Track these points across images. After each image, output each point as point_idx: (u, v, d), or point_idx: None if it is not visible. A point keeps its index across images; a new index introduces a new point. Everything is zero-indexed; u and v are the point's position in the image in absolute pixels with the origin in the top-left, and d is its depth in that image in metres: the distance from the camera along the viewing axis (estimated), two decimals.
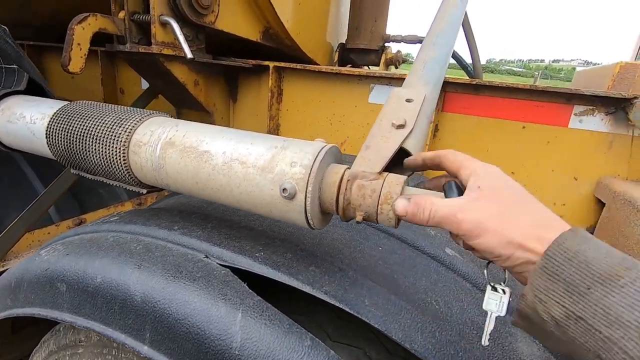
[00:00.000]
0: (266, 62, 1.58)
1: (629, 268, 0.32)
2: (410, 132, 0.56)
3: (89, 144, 0.64)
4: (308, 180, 0.48)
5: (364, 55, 2.20)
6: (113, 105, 0.71)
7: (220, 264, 0.58)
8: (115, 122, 0.63)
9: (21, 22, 2.09)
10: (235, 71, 1.73)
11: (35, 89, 0.89)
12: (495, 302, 0.45)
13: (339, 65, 2.23)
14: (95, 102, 0.72)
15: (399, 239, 0.78)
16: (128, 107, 0.69)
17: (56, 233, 1.37)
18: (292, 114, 1.65)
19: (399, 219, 0.48)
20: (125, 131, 0.62)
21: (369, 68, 2.28)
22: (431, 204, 0.44)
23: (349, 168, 0.52)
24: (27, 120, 0.73)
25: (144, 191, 0.67)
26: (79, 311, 0.60)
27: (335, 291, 0.55)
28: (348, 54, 2.24)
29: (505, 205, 0.40)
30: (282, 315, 0.51)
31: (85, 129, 0.64)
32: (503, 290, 0.45)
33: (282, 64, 1.57)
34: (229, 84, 1.75)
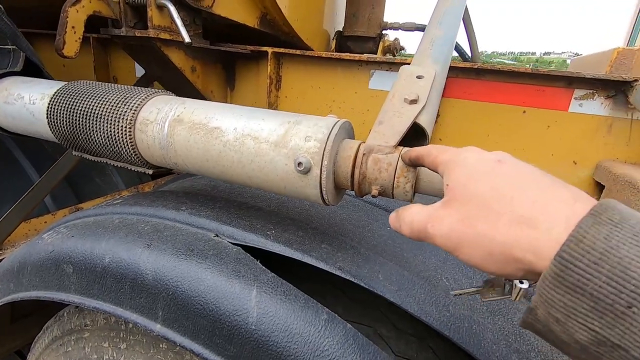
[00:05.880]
0: (265, 48, 1.56)
1: None
2: (423, 107, 0.55)
3: (93, 123, 0.63)
4: (323, 154, 0.48)
5: (362, 43, 2.18)
6: (115, 84, 0.69)
7: (232, 243, 0.57)
8: (120, 101, 0.62)
9: (8, 8, 2.03)
10: (232, 58, 1.70)
11: (32, 71, 0.86)
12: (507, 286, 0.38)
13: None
14: (97, 82, 0.70)
15: None
16: (131, 86, 0.67)
17: (53, 222, 1.34)
18: (291, 100, 1.63)
19: (414, 192, 0.48)
20: (131, 109, 0.60)
21: None
22: (409, 214, 0.38)
23: (363, 142, 0.51)
24: (26, 101, 0.71)
25: (150, 171, 0.66)
26: (88, 292, 0.59)
27: (349, 267, 0.54)
28: (345, 42, 2.22)
29: (477, 204, 0.32)
30: (298, 290, 0.51)
31: (89, 108, 0.63)
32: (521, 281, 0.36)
33: (281, 50, 1.55)
34: (226, 71, 1.72)
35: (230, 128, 0.54)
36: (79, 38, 1.18)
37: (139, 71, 1.97)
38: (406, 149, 0.49)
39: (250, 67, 1.67)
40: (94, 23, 1.28)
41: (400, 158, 0.48)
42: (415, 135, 0.55)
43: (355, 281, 0.52)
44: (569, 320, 0.26)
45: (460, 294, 0.42)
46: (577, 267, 0.25)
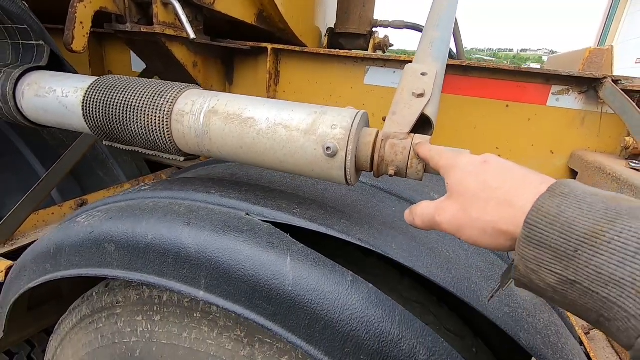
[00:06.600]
0: (264, 44, 1.62)
1: (612, 220, 0.30)
2: (429, 100, 0.64)
3: (130, 115, 0.68)
4: (348, 139, 0.56)
5: (353, 40, 2.26)
6: (146, 79, 0.75)
7: (262, 220, 0.65)
8: (156, 94, 0.68)
9: None
10: (231, 53, 1.75)
11: (55, 65, 0.90)
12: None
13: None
14: (127, 77, 0.76)
15: (408, 201, 0.87)
16: (162, 81, 0.74)
17: (60, 213, 1.37)
18: (289, 95, 1.70)
19: (424, 171, 0.57)
20: (167, 101, 0.67)
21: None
22: (420, 209, 0.49)
23: (380, 130, 0.60)
24: (59, 94, 0.76)
25: (182, 159, 0.73)
26: (131, 267, 0.66)
27: (367, 238, 0.63)
28: (337, 39, 2.30)
29: (470, 195, 0.41)
30: (325, 258, 0.59)
31: (126, 101, 0.69)
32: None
33: (280, 46, 1.61)
34: (225, 67, 1.77)
35: (262, 118, 0.61)
36: (87, 33, 1.21)
37: (135, 65, 2.00)
38: (418, 135, 0.58)
39: (248, 62, 1.73)
40: (96, 18, 1.32)
41: (412, 144, 0.57)
42: (422, 125, 0.64)
43: (374, 249, 0.61)
44: (540, 269, 0.34)
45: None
46: (538, 228, 0.33)
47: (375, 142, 0.58)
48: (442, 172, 0.50)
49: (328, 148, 0.56)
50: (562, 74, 1.23)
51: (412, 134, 0.58)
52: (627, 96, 1.06)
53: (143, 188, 0.81)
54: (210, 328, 0.69)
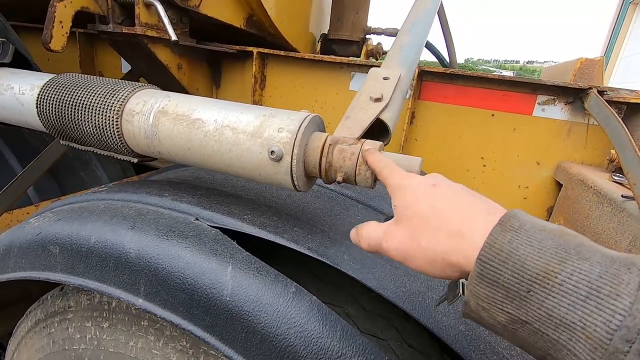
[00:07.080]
0: (250, 48, 1.61)
1: (562, 261, 0.30)
2: (387, 105, 0.61)
3: (81, 114, 0.67)
4: (294, 143, 0.53)
5: (346, 46, 2.25)
6: (102, 77, 0.73)
7: (211, 225, 0.62)
8: (108, 93, 0.66)
9: None
10: (218, 57, 1.74)
11: (20, 63, 0.89)
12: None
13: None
14: (84, 75, 0.74)
15: (375, 209, 0.84)
16: (118, 80, 0.72)
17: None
18: (274, 99, 1.69)
19: (375, 179, 0.54)
20: (118, 101, 0.65)
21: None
22: (366, 231, 0.45)
23: (330, 135, 0.57)
24: (16, 92, 0.74)
25: (135, 160, 0.70)
26: (73, 271, 0.63)
27: (318, 248, 0.60)
28: (330, 45, 2.29)
29: (419, 221, 0.40)
30: (269, 267, 0.56)
31: (78, 99, 0.67)
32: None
33: (266, 50, 1.60)
34: (212, 69, 1.76)
35: (211, 119, 0.59)
36: (66, 33, 1.20)
37: (125, 67, 1.99)
38: (368, 141, 0.55)
39: (235, 66, 1.72)
40: (81, 18, 1.31)
41: (361, 150, 0.54)
42: (380, 130, 0.61)
43: (322, 259, 0.58)
44: (491, 307, 0.33)
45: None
46: (491, 266, 0.32)
47: (323, 147, 0.55)
48: (389, 190, 0.47)
49: (272, 152, 0.54)
50: (548, 83, 1.20)
51: (363, 140, 0.56)
52: (611, 108, 1.03)
53: (100, 189, 0.79)
54: (156, 337, 0.66)
